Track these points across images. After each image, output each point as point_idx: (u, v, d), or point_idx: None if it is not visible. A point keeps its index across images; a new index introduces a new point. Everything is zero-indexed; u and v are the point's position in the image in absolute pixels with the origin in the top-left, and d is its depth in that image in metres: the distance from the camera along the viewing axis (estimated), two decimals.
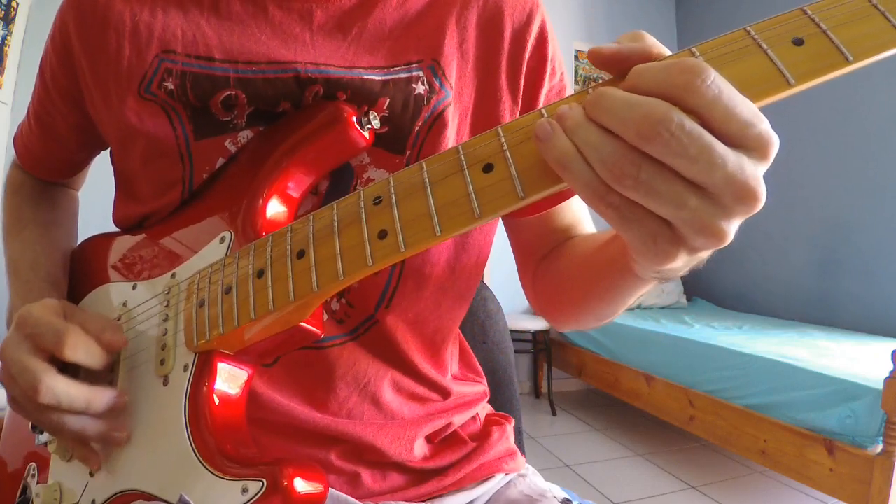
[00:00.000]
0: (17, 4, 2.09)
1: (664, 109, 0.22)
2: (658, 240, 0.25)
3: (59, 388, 0.37)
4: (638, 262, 0.30)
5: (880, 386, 1.38)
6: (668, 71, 0.23)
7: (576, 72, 3.27)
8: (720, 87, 0.22)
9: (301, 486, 0.33)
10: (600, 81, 0.26)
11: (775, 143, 0.23)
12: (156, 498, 0.37)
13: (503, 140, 0.28)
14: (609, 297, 0.43)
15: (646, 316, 2.73)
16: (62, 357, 0.38)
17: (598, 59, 0.27)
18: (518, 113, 0.51)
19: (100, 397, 0.38)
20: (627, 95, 0.23)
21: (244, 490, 0.33)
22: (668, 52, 0.27)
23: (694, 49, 0.25)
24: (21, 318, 0.40)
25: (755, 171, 0.23)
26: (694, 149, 0.22)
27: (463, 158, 0.29)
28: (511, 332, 0.80)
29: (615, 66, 0.27)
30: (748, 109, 0.23)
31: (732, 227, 0.24)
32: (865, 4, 0.23)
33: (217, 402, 0.38)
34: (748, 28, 0.25)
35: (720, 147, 0.22)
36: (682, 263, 0.28)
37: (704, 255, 0.29)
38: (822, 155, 2.67)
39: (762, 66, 0.24)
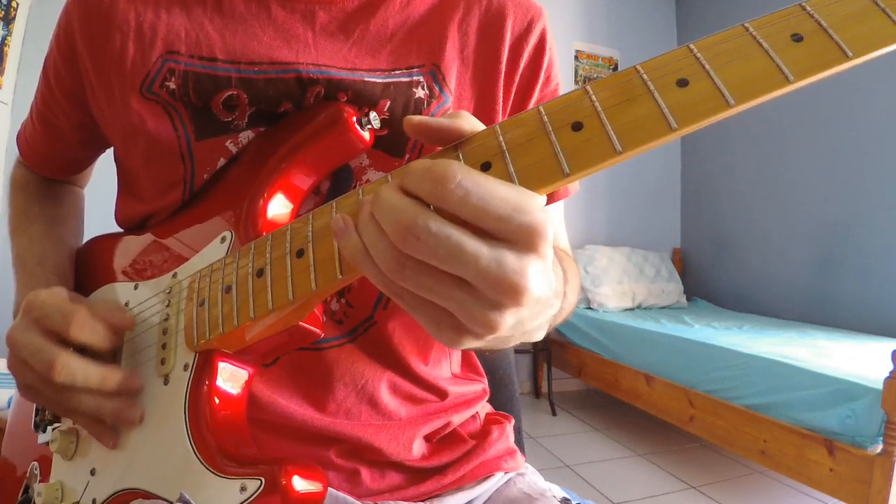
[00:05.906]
0: (17, 4, 2.09)
1: (412, 216, 0.23)
2: (441, 325, 0.26)
3: (74, 365, 0.37)
4: None
5: (880, 386, 1.38)
6: (422, 176, 0.24)
7: (576, 72, 3.27)
8: (467, 188, 0.23)
9: (300, 484, 0.33)
10: (597, 80, 0.27)
11: (541, 233, 0.23)
12: (156, 496, 0.37)
13: (501, 139, 0.28)
14: None
15: (646, 316, 2.72)
16: (69, 337, 0.38)
17: (407, 126, 0.30)
18: None
19: (113, 374, 0.39)
20: (392, 199, 0.24)
21: (242, 488, 0.33)
22: (482, 128, 0.28)
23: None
24: (29, 302, 0.40)
25: (518, 264, 0.23)
26: (442, 250, 0.23)
27: (461, 159, 0.29)
28: None
29: (426, 136, 0.29)
30: (505, 204, 0.23)
31: (504, 318, 0.24)
32: (864, 0, 0.23)
33: (217, 401, 0.38)
34: (746, 24, 0.25)
35: (471, 245, 0.23)
36: (484, 343, 0.27)
37: (523, 332, 0.28)
38: (822, 155, 2.67)
39: (761, 63, 0.24)
